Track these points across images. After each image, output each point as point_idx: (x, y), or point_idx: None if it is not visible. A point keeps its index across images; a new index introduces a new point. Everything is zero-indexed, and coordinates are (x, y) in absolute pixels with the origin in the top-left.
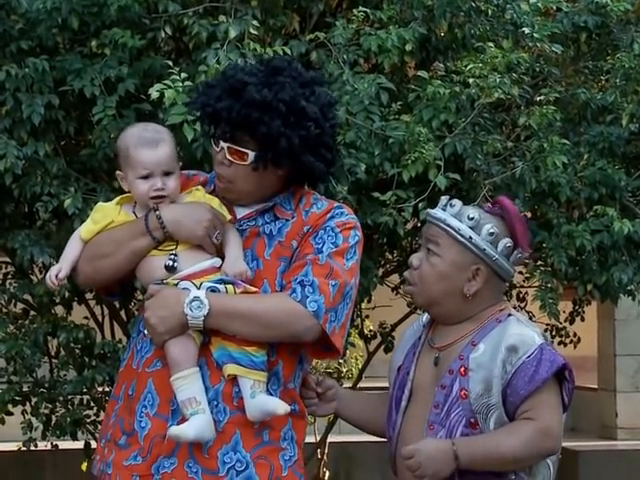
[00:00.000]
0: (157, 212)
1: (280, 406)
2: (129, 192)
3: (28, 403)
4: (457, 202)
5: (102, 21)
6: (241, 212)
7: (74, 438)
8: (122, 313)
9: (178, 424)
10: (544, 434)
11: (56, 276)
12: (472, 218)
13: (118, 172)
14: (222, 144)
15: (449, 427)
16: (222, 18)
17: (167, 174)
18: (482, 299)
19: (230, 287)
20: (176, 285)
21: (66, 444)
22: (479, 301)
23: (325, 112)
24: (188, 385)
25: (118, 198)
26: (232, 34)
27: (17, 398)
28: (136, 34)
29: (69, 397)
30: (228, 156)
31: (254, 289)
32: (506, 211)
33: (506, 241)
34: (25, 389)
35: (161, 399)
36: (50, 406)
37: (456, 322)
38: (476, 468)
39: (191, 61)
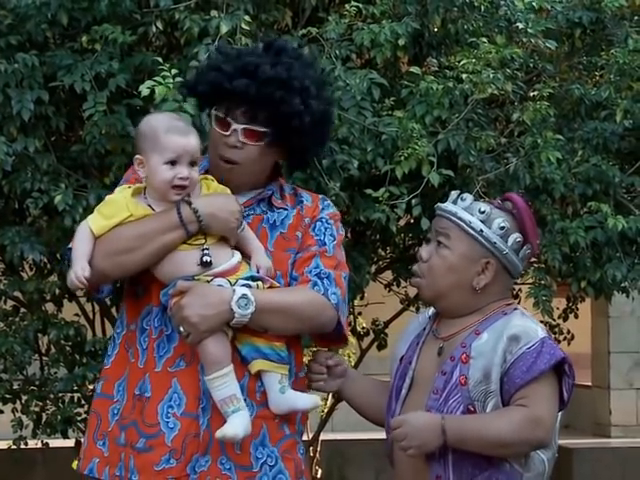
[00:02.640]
0: (193, 205)
1: (315, 401)
2: (138, 181)
3: (18, 401)
4: (468, 196)
5: (92, 16)
6: (240, 200)
7: (65, 436)
8: (113, 310)
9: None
10: (534, 422)
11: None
12: (483, 212)
13: (137, 156)
14: (235, 126)
15: (447, 413)
16: (214, 13)
17: (192, 164)
18: (490, 293)
19: (260, 283)
20: (208, 282)
21: (57, 442)
22: (487, 295)
23: (320, 91)
24: (229, 383)
25: (131, 189)
26: (224, 29)
27: (7, 396)
28: (127, 29)
29: (60, 395)
30: (242, 138)
31: (277, 284)
32: (516, 207)
33: (516, 236)
34: (15, 387)
35: (188, 398)
36: (40, 404)
37: (462, 315)
38: (464, 447)
39: (182, 56)
